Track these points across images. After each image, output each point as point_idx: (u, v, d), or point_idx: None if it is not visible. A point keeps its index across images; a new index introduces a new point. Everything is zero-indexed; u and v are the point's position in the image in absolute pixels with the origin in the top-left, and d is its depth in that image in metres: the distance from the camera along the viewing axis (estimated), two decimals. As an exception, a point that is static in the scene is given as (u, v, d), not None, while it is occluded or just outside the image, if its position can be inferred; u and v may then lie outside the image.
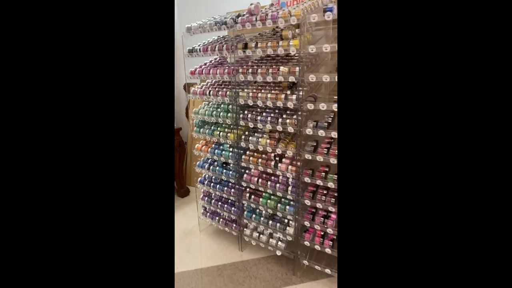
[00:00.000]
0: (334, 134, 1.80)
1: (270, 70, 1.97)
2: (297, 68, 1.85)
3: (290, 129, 1.97)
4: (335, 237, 2.02)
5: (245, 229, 2.46)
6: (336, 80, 1.71)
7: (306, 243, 2.10)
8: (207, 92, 2.37)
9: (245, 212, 2.42)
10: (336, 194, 1.97)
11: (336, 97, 1.79)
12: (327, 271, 2.06)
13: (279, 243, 2.28)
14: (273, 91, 2.05)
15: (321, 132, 1.85)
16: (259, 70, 2.02)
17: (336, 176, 1.90)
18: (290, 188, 2.10)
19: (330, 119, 1.89)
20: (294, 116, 1.98)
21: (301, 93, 1.88)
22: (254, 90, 2.12)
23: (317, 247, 2.05)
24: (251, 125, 2.16)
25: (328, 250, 2.01)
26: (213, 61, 2.60)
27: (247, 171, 2.33)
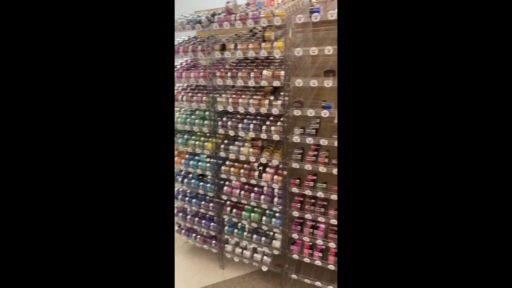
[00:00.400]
0: (323, 141, 1.72)
1: (252, 74, 1.83)
2: (282, 72, 1.74)
3: (276, 137, 1.84)
4: (324, 248, 1.94)
5: (226, 245, 2.27)
6: (324, 85, 1.63)
7: (295, 256, 1.99)
8: (179, 98, 2.14)
9: (226, 227, 2.24)
10: (325, 203, 1.89)
11: (323, 102, 1.71)
12: (318, 283, 1.97)
13: (265, 257, 2.14)
14: (255, 96, 1.91)
15: (309, 140, 1.75)
16: (239, 74, 1.87)
17: (325, 184, 1.82)
18: (276, 199, 1.98)
19: (317, 125, 1.81)
20: (279, 123, 1.86)
21: (286, 99, 1.76)
22: (234, 96, 1.96)
23: (306, 259, 1.95)
24: (231, 133, 1.99)
25: (318, 262, 1.92)
26: (184, 64, 2.38)
27: (227, 183, 2.15)
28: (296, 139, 1.79)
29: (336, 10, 1.54)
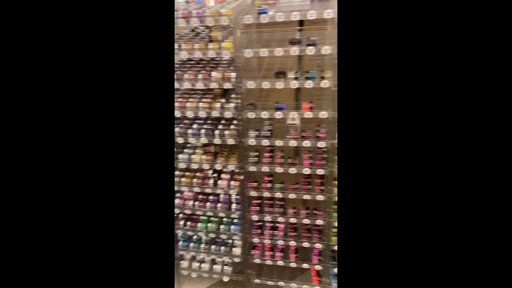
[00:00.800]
0: (278, 142, 1.73)
1: (200, 76, 1.72)
2: (233, 74, 1.68)
3: (230, 141, 1.77)
4: (285, 247, 1.96)
5: (181, 261, 2.09)
6: (276, 86, 1.64)
7: (257, 260, 1.96)
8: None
9: (180, 242, 2.06)
10: (283, 203, 1.91)
11: (276, 104, 1.72)
12: (281, 283, 1.98)
13: (225, 267, 2.05)
14: (204, 100, 1.80)
15: (265, 141, 1.74)
16: (185, 76, 1.73)
17: (282, 184, 1.84)
18: (234, 205, 1.91)
19: (271, 126, 1.81)
20: (232, 126, 1.80)
21: (239, 101, 1.71)
22: (180, 99, 1.81)
23: (269, 261, 1.94)
24: (180, 140, 1.84)
25: (280, 263, 1.93)
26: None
27: (178, 195, 1.98)
28: (252, 141, 1.75)
29: (283, 13, 1.56)
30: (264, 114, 1.69)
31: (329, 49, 1.55)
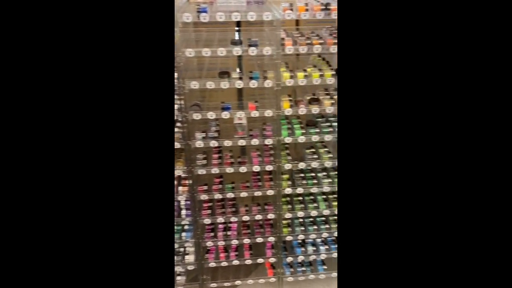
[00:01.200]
0: (227, 143, 1.73)
1: (137, 77, 1.58)
2: (175, 74, 1.60)
3: (176, 144, 1.68)
4: (239, 246, 1.97)
5: (127, 281, 1.90)
6: (220, 86, 1.63)
7: (212, 264, 1.92)
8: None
9: (124, 260, 1.87)
10: (234, 203, 1.91)
11: (222, 104, 1.71)
12: (238, 282, 1.99)
13: (178, 277, 1.95)
14: (143, 102, 1.66)
15: (213, 143, 1.71)
16: (119, 77, 1.57)
17: (233, 184, 1.84)
18: (183, 211, 1.83)
19: (218, 127, 1.79)
20: (176, 129, 1.71)
21: (182, 102, 1.64)
22: (115, 103, 1.63)
23: (224, 263, 1.93)
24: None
25: (236, 262, 1.93)
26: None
27: (119, 208, 1.79)
28: (199, 144, 1.70)
29: (223, 13, 1.56)
30: (211, 115, 1.67)
31: (269, 50, 1.62)
